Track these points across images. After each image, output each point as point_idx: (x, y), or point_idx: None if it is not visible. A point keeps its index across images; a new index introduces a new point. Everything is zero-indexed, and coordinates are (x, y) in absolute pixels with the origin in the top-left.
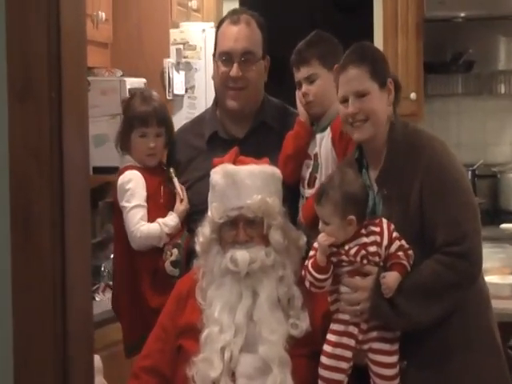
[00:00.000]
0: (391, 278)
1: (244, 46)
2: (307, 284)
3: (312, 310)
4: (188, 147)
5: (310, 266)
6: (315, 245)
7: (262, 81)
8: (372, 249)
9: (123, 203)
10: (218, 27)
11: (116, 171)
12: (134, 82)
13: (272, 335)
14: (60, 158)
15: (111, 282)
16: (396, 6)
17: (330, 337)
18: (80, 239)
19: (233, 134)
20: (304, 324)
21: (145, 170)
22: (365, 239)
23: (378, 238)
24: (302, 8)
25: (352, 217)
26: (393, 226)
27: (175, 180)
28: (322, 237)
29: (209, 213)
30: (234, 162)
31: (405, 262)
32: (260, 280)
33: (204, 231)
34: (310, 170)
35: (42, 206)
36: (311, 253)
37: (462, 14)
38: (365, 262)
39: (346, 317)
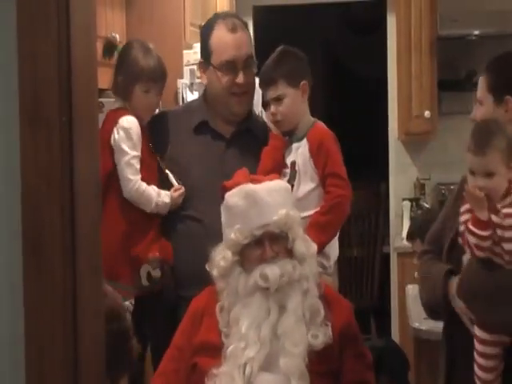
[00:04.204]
0: None
1: (246, 52)
2: (471, 250)
3: (330, 323)
4: (175, 131)
5: (471, 226)
6: (463, 209)
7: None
8: None
9: (126, 148)
10: (206, 33)
11: None
12: None
13: (295, 348)
14: (71, 181)
15: None
16: (409, 25)
17: None
18: (91, 259)
19: (219, 131)
20: (324, 335)
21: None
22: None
23: None
24: (315, 28)
25: None
26: None
27: (172, 177)
28: (474, 189)
29: (231, 235)
30: (251, 182)
31: None
32: (288, 294)
33: (225, 255)
34: (286, 178)
35: (53, 230)
36: (464, 217)
37: (476, 32)
38: None
39: None
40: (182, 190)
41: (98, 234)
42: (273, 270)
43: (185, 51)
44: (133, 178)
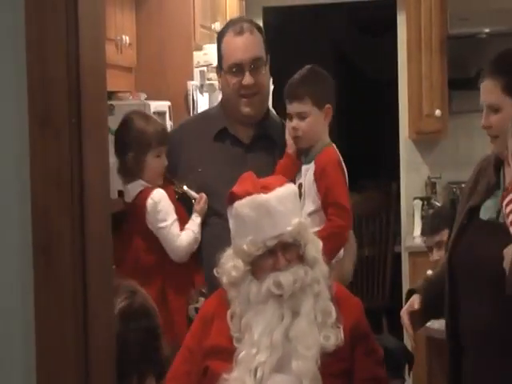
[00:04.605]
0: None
1: (253, 54)
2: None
3: (341, 324)
4: (195, 140)
5: None
6: (506, 200)
7: (269, 85)
8: None
9: (160, 224)
10: (219, 40)
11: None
12: (159, 106)
13: (307, 351)
14: (80, 183)
15: None
16: (419, 24)
17: None
18: (101, 264)
19: (238, 137)
20: (336, 337)
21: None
22: None
23: None
24: (326, 31)
25: None
26: None
27: (190, 191)
28: None
29: (243, 246)
30: (260, 190)
31: None
32: (300, 299)
33: (236, 264)
34: None
35: (63, 232)
36: (509, 208)
37: (486, 30)
38: None
39: None
40: (204, 197)
41: (108, 237)
42: (286, 277)
43: (195, 53)
44: (178, 243)
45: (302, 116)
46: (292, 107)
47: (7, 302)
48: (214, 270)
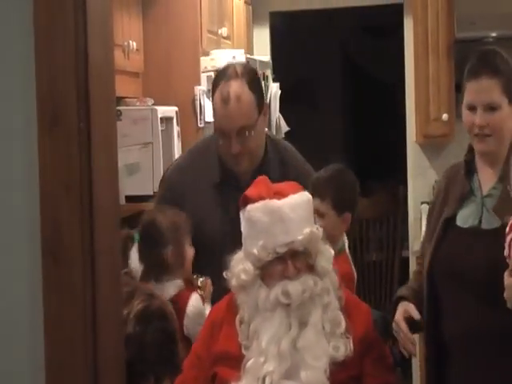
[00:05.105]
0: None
1: (238, 124)
2: None
3: (350, 334)
4: (195, 184)
5: None
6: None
7: (263, 133)
8: None
9: (199, 327)
10: (212, 89)
11: (149, 199)
12: (166, 111)
13: (316, 362)
14: (89, 187)
15: None
16: (426, 28)
17: None
18: (110, 267)
19: (238, 178)
20: (345, 347)
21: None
22: None
23: None
24: (332, 33)
25: None
26: None
27: (199, 278)
28: None
29: (253, 250)
30: (274, 196)
31: None
32: (309, 310)
33: (246, 268)
34: None
35: (72, 235)
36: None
37: (493, 34)
38: None
39: None
40: (209, 282)
41: (116, 239)
42: (295, 287)
43: (202, 58)
44: None
45: (318, 214)
46: (313, 203)
47: (16, 304)
48: (224, 273)
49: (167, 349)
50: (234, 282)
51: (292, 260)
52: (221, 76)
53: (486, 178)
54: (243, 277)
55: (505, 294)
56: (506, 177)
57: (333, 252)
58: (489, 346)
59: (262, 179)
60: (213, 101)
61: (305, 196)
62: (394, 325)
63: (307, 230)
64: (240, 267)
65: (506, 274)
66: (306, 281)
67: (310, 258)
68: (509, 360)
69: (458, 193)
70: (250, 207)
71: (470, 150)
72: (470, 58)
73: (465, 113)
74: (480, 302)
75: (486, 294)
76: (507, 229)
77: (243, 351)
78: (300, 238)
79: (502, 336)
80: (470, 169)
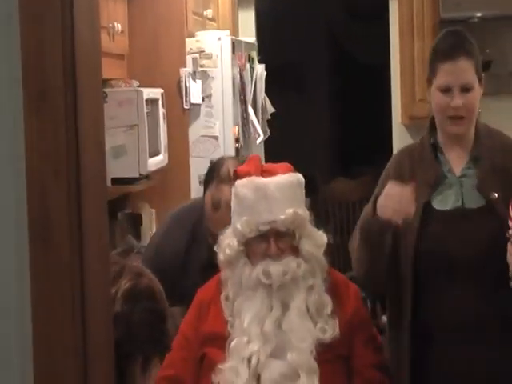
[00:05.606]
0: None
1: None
2: None
3: (338, 316)
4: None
5: None
6: None
7: None
8: None
9: None
10: (206, 182)
11: (134, 182)
12: (151, 93)
13: (302, 343)
14: (77, 164)
15: None
16: (411, 9)
17: None
18: (98, 247)
19: None
20: (332, 329)
21: None
22: None
23: None
24: (318, 16)
25: None
26: None
27: None
28: None
29: (237, 226)
30: (262, 174)
31: None
32: (291, 292)
33: (231, 243)
34: None
35: (59, 214)
36: None
37: (478, 14)
38: None
39: None
40: None
41: (104, 219)
42: (276, 267)
43: (187, 39)
44: None
45: None
46: None
47: (2, 287)
48: (215, 247)
49: (156, 328)
50: (221, 257)
51: (275, 240)
52: (212, 170)
53: (456, 159)
54: (228, 251)
55: (510, 268)
56: (480, 158)
57: (325, 238)
58: (476, 332)
59: (255, 156)
60: (204, 197)
61: (295, 177)
62: (381, 200)
63: (290, 211)
64: (226, 242)
65: (510, 246)
66: (288, 262)
67: (294, 239)
68: (494, 346)
69: (429, 176)
70: (237, 183)
71: (431, 131)
72: (437, 39)
73: (437, 94)
74: (471, 284)
75: (477, 275)
76: (510, 205)
77: (228, 329)
78: (282, 217)
79: (491, 322)
80: (436, 150)
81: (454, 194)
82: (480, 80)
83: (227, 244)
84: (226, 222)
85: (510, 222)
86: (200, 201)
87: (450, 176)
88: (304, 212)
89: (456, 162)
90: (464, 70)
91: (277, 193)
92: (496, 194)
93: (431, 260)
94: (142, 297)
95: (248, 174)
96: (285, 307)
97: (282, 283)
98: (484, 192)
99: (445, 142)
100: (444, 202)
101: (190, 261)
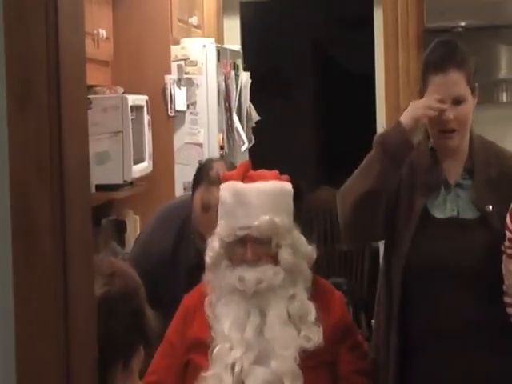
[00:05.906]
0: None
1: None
2: None
3: (322, 323)
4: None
5: None
6: None
7: None
8: None
9: None
10: (195, 184)
11: (118, 188)
12: (136, 99)
13: (285, 351)
14: (60, 169)
15: None
16: (396, 18)
17: None
18: (82, 246)
19: None
20: (316, 337)
21: None
22: None
23: None
24: (304, 24)
25: None
26: None
27: None
28: None
29: (218, 229)
30: (243, 179)
31: None
32: (267, 300)
33: (213, 245)
34: None
35: (43, 215)
36: None
37: (462, 24)
38: None
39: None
40: None
41: (88, 218)
42: (250, 274)
43: (172, 46)
44: None
45: None
46: None
47: None
48: (202, 248)
49: (134, 330)
50: (206, 259)
51: (253, 246)
52: (201, 176)
53: (451, 168)
54: (210, 253)
55: (505, 282)
56: (475, 170)
57: (313, 251)
58: (469, 338)
59: (245, 163)
60: (193, 199)
61: (278, 185)
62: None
63: (266, 218)
64: (211, 244)
65: (505, 259)
66: (265, 270)
67: (270, 247)
68: (484, 353)
69: (427, 181)
70: (222, 186)
71: (427, 137)
72: (429, 50)
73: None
74: (461, 294)
75: (471, 283)
76: (508, 217)
77: (212, 334)
78: (256, 223)
79: (482, 329)
80: (435, 157)
81: (449, 203)
82: (473, 91)
83: (210, 246)
84: (215, 223)
85: (507, 232)
86: (189, 198)
87: (446, 184)
88: (283, 220)
89: (451, 172)
90: (455, 82)
91: (255, 199)
92: (491, 207)
93: (423, 269)
94: (117, 302)
95: (231, 178)
96: (263, 314)
97: (256, 290)
98: (479, 204)
99: (439, 150)
100: (441, 209)
101: (177, 259)
